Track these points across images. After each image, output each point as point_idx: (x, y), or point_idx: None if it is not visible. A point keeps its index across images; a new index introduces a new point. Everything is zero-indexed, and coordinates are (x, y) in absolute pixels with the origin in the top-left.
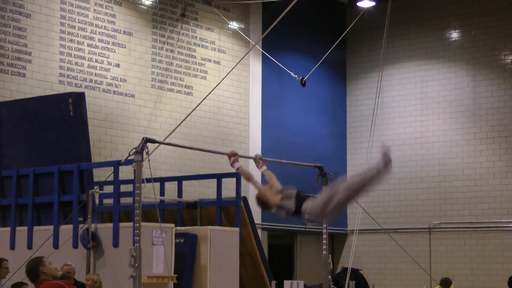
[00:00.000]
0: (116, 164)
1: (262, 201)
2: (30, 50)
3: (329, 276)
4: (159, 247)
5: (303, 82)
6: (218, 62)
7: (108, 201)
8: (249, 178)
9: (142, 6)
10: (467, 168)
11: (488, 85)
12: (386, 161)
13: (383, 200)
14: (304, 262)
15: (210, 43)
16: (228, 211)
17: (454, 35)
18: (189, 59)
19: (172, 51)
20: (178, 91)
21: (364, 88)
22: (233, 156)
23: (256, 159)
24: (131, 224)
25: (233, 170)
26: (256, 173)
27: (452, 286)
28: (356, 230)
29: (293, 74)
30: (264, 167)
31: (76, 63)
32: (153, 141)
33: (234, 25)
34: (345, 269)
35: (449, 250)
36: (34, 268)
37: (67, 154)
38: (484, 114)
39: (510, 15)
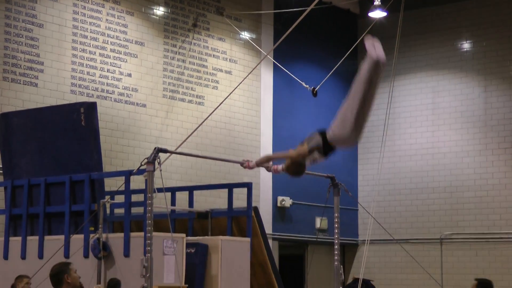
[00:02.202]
0: (128, 174)
1: (295, 164)
2: (42, 60)
3: (340, 287)
4: (170, 257)
5: (314, 92)
6: (229, 72)
7: (119, 211)
8: (270, 158)
9: (154, 16)
10: (479, 178)
11: (499, 96)
12: (373, 48)
13: (394, 211)
14: (315, 272)
15: (221, 53)
16: (239, 221)
17: (466, 45)
18: (201, 69)
19: (183, 61)
20: (190, 101)
21: (376, 98)
22: (244, 163)
23: (242, 164)
24: (142, 234)
25: (246, 177)
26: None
27: None
28: (368, 240)
29: (304, 84)
30: (253, 163)
31: (88, 73)
32: (165, 151)
33: (245, 35)
34: (356, 280)
35: (461, 261)
36: (59, 276)
37: (78, 164)
38: (495, 125)
39: None
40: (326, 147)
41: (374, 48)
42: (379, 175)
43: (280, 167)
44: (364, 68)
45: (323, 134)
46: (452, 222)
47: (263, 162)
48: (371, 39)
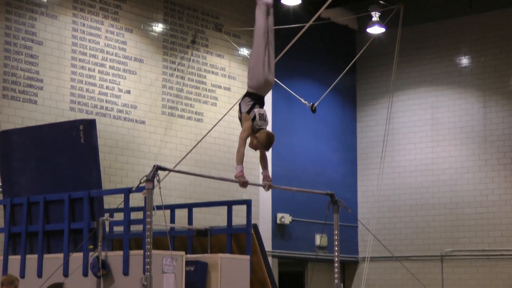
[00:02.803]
0: (127, 192)
1: (253, 140)
2: (42, 77)
3: None
4: (169, 275)
5: (313, 109)
6: (228, 89)
7: (119, 229)
8: (241, 153)
9: (153, 33)
10: (479, 194)
11: (499, 111)
12: None
13: (394, 228)
14: None
15: (220, 69)
16: (238, 239)
17: (464, 61)
18: (200, 86)
19: (182, 77)
20: (189, 118)
21: (375, 114)
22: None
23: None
24: (141, 252)
25: (245, 194)
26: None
27: None
28: (368, 257)
29: (303, 101)
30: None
31: (87, 90)
32: (164, 169)
33: (244, 51)
34: None
35: (462, 278)
36: None
37: (77, 181)
38: (495, 140)
39: None
40: (255, 98)
41: None
42: (378, 192)
43: (265, 175)
44: (257, 16)
45: (246, 94)
46: (453, 239)
47: (241, 162)
48: None
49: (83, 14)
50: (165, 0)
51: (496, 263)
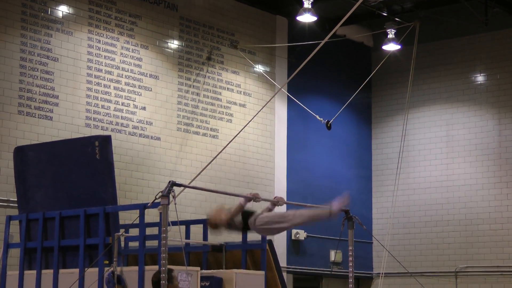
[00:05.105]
0: (142, 207)
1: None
2: (57, 94)
3: None
4: None
5: (328, 125)
6: (243, 105)
7: (134, 244)
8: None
9: (168, 49)
10: (494, 211)
11: None
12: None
13: (409, 244)
14: None
15: (235, 86)
16: (253, 254)
17: (480, 78)
18: (215, 102)
19: (198, 94)
20: (204, 134)
21: (390, 131)
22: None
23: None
24: (156, 267)
25: (260, 209)
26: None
27: None
28: (382, 273)
29: (318, 117)
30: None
31: (102, 106)
32: (179, 185)
33: (259, 68)
34: None
35: None
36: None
37: (93, 197)
38: (510, 157)
39: None
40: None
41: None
42: (393, 208)
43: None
44: (322, 212)
45: (245, 216)
46: (467, 255)
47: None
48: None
49: (99, 31)
50: (181, 17)
51: (510, 279)
